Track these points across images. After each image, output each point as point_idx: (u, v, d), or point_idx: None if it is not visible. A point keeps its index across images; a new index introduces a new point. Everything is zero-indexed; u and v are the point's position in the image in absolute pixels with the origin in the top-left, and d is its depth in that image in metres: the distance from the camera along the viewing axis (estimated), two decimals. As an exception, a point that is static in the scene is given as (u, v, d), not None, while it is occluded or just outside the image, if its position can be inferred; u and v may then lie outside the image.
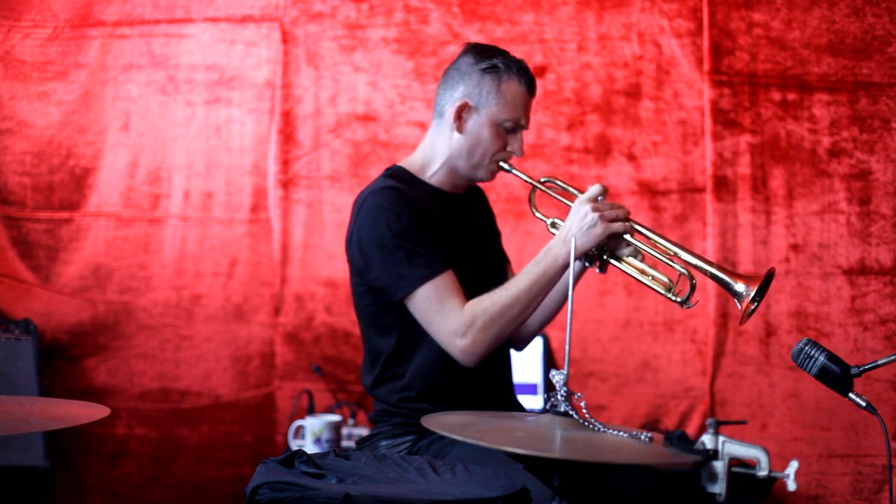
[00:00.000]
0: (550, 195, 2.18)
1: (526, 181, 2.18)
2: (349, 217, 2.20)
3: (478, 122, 2.15)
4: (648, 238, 2.06)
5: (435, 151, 2.21)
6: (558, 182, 2.19)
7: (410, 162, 2.25)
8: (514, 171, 2.19)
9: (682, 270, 2.06)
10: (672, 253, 2.05)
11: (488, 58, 2.16)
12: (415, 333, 2.12)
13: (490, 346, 2.06)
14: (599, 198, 2.05)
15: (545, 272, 2.04)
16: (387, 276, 2.08)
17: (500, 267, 2.36)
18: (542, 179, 2.20)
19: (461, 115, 2.15)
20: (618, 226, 2.04)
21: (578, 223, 2.01)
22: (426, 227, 2.10)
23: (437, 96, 2.22)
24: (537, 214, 2.23)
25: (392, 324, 2.14)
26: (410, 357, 2.15)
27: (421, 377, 2.14)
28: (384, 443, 2.16)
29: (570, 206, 2.09)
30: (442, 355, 2.10)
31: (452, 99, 2.17)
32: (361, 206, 2.13)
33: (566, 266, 2.03)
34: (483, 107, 2.14)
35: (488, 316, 2.04)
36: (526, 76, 2.17)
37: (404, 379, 2.15)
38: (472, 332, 2.03)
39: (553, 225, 2.18)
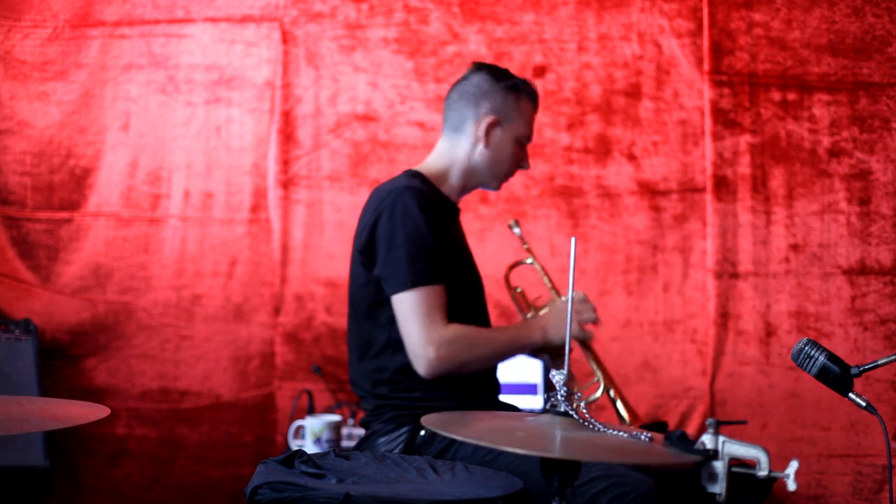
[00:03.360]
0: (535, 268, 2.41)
1: (524, 248, 2.43)
2: (364, 208, 2.25)
3: (503, 138, 2.28)
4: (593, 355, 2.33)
5: (453, 163, 2.30)
6: (538, 266, 2.40)
7: (428, 169, 2.31)
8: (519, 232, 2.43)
9: (599, 377, 2.31)
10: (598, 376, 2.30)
11: (507, 77, 2.30)
12: None
13: (455, 369, 2.14)
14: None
15: (518, 341, 2.22)
16: (386, 270, 2.14)
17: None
18: (529, 261, 2.41)
19: (489, 130, 2.27)
20: (587, 333, 2.28)
21: (560, 319, 2.22)
22: (440, 236, 2.16)
23: (450, 111, 2.32)
24: (509, 284, 2.41)
25: (389, 318, 2.17)
26: (402, 349, 2.17)
27: (411, 369, 2.16)
28: (381, 440, 2.16)
29: (545, 284, 2.36)
30: None
31: (476, 115, 2.28)
32: (383, 199, 2.17)
33: (532, 350, 2.26)
34: (507, 122, 2.28)
35: (468, 343, 2.14)
36: (535, 94, 2.33)
37: (394, 370, 2.17)
38: (449, 348, 2.11)
39: (516, 289, 2.37)
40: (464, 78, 2.33)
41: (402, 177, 2.27)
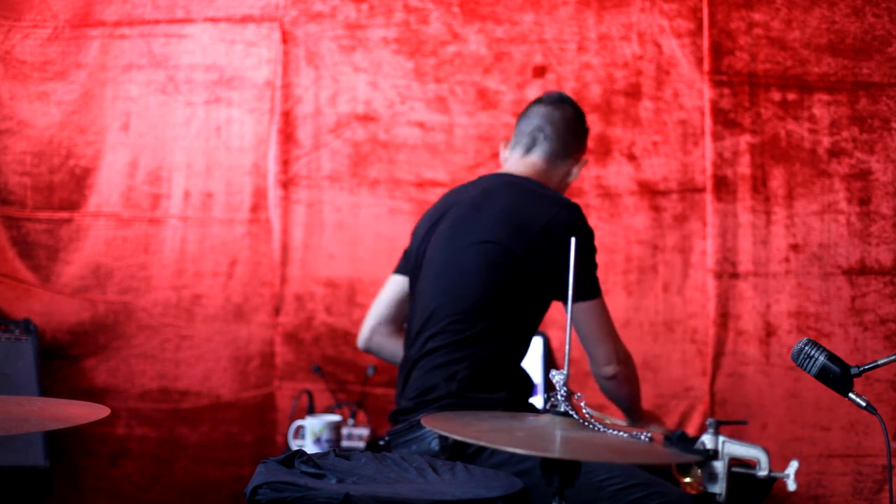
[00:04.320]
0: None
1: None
2: (496, 198, 2.29)
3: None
4: None
5: (550, 183, 2.40)
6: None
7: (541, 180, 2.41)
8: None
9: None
10: None
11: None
12: (512, 323, 2.23)
13: (626, 383, 2.32)
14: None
15: (640, 405, 2.44)
16: (581, 274, 2.16)
17: None
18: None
19: (580, 169, 2.48)
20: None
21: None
22: None
23: (556, 137, 2.40)
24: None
25: (517, 313, 2.22)
26: (497, 339, 2.19)
27: (498, 361, 2.20)
28: (426, 429, 2.13)
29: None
30: (520, 350, 2.25)
31: (576, 150, 2.44)
32: (564, 207, 2.25)
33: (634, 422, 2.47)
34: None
35: (635, 369, 2.37)
36: None
37: (485, 361, 2.18)
38: (630, 361, 2.33)
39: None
40: (560, 106, 2.42)
41: (544, 187, 2.33)
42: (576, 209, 2.26)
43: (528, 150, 2.40)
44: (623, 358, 2.30)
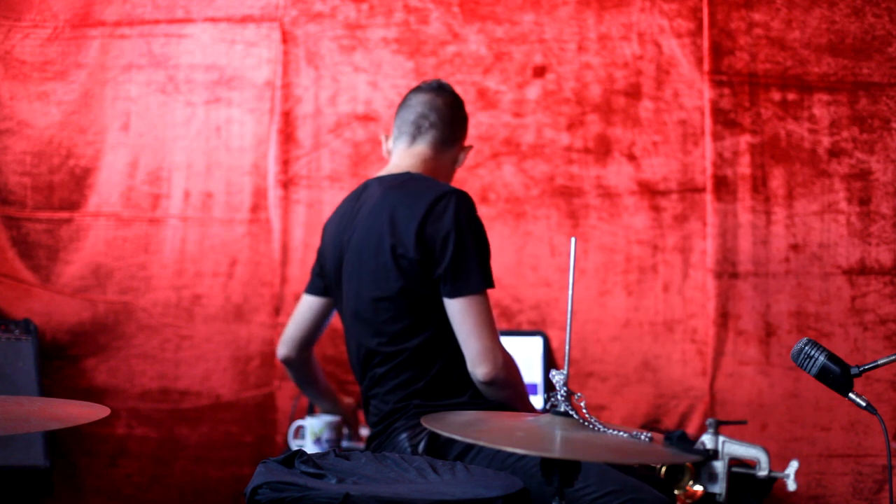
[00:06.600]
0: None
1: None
2: (381, 208, 2.24)
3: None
4: None
5: (438, 173, 2.36)
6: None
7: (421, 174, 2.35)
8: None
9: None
10: None
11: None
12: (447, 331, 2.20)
13: (506, 381, 2.15)
14: None
15: (527, 400, 2.27)
16: (456, 271, 2.14)
17: None
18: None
19: (465, 156, 2.45)
20: None
21: None
22: None
23: (443, 124, 2.38)
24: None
25: (440, 318, 2.18)
26: (441, 350, 2.19)
27: (449, 369, 2.19)
28: (403, 436, 2.15)
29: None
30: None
31: (461, 137, 2.42)
32: (440, 197, 2.17)
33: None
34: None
35: (515, 365, 2.20)
36: None
37: (439, 368, 2.19)
38: (507, 357, 2.15)
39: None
40: (441, 93, 2.39)
41: (433, 181, 2.28)
42: (457, 197, 2.18)
43: (414, 139, 2.36)
44: (501, 361, 2.13)
